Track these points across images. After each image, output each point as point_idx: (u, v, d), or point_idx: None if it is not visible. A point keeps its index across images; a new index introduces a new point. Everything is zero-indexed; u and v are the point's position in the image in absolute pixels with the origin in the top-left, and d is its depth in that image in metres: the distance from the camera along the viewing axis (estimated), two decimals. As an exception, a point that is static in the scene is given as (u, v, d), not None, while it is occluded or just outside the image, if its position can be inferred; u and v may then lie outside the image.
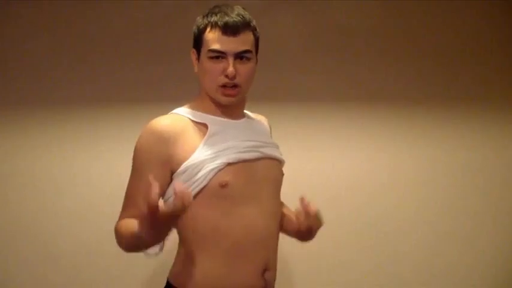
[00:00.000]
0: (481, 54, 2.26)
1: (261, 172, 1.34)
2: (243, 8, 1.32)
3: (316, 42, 2.21)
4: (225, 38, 1.27)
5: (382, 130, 2.22)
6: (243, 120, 1.41)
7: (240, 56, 1.28)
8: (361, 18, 2.22)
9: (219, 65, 1.28)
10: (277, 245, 1.39)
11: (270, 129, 1.55)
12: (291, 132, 2.14)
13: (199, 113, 1.35)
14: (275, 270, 1.38)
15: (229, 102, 1.33)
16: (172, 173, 1.29)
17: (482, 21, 2.26)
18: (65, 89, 2.10)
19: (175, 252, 1.36)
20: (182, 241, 1.33)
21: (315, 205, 1.34)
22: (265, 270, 1.31)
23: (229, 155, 1.28)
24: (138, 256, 1.31)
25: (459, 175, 2.24)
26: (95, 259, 2.06)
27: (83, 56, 2.11)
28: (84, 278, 2.07)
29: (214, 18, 1.28)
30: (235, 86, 1.30)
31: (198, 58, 1.33)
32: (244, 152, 1.31)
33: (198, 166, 1.26)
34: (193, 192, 1.26)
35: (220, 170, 1.26)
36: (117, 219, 1.31)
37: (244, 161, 1.31)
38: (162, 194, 1.32)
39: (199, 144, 1.29)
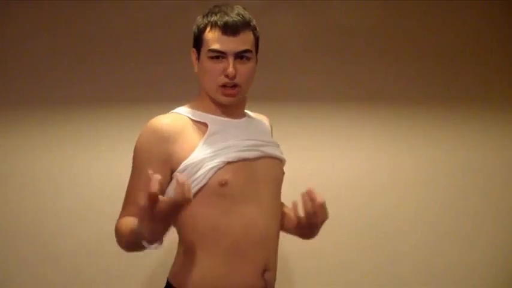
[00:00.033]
0: (481, 54, 2.26)
1: (261, 171, 1.34)
2: (243, 8, 1.32)
3: (316, 42, 2.21)
4: (224, 37, 1.27)
5: (382, 130, 2.22)
6: (243, 119, 1.41)
7: (240, 56, 1.28)
8: (361, 18, 2.22)
9: (219, 65, 1.28)
10: (277, 245, 1.39)
11: (271, 129, 1.55)
12: (291, 132, 2.14)
13: (199, 112, 1.35)
14: (275, 270, 1.37)
15: (229, 102, 1.33)
16: (172, 171, 1.28)
17: (482, 21, 2.26)
18: (65, 89, 2.10)
19: (175, 252, 1.36)
20: (182, 240, 1.33)
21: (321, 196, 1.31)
22: (265, 270, 1.31)
23: (228, 154, 1.28)
24: (138, 256, 1.31)
25: (459, 175, 2.24)
26: (95, 259, 2.06)
27: (83, 56, 2.11)
28: (84, 278, 2.07)
29: (214, 18, 1.28)
30: (235, 85, 1.30)
31: (198, 58, 1.33)
32: (244, 150, 1.31)
33: (198, 165, 1.26)
34: (193, 191, 1.26)
35: (219, 169, 1.26)
36: (117, 219, 1.31)
37: (244, 159, 1.31)
38: (162, 192, 1.32)
39: (199, 143, 1.29)
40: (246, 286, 1.29)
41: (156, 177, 1.01)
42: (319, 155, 2.19)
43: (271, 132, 1.54)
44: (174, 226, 1.34)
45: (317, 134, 2.20)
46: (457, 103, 2.25)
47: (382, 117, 2.22)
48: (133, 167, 1.32)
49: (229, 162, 1.28)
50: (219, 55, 1.28)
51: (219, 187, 1.26)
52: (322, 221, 1.35)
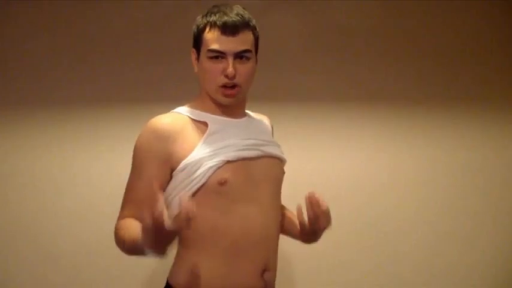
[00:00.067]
0: (481, 54, 2.26)
1: (261, 170, 1.34)
2: (243, 8, 1.32)
3: (316, 42, 2.21)
4: (224, 37, 1.26)
5: (382, 130, 2.22)
6: (243, 119, 1.41)
7: (239, 56, 1.28)
8: (361, 18, 2.22)
9: (218, 65, 1.28)
10: (277, 245, 1.39)
11: (272, 129, 1.54)
12: (291, 132, 2.14)
13: (199, 112, 1.35)
14: (275, 270, 1.37)
15: (228, 103, 1.33)
16: (172, 171, 1.28)
17: (482, 21, 2.26)
18: (65, 89, 2.10)
19: (174, 252, 1.36)
20: (181, 241, 1.33)
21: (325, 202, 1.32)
22: (264, 270, 1.31)
23: (228, 153, 1.28)
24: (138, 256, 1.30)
25: (459, 175, 2.24)
26: (95, 259, 2.06)
27: (83, 56, 2.11)
28: (84, 278, 2.07)
29: (213, 18, 1.28)
30: (234, 85, 1.29)
31: (198, 58, 1.33)
32: (243, 150, 1.31)
33: (197, 164, 1.26)
34: (192, 190, 1.26)
35: (219, 168, 1.26)
36: (116, 219, 1.31)
37: (244, 159, 1.30)
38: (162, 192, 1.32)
39: (198, 142, 1.29)
40: (246, 286, 1.29)
41: (161, 199, 1.01)
42: (319, 155, 2.19)
43: (272, 132, 1.54)
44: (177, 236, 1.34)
45: (317, 134, 2.20)
46: (457, 103, 2.25)
47: (382, 117, 2.22)
48: (133, 166, 1.32)
49: (228, 161, 1.27)
50: (218, 55, 1.27)
51: (219, 186, 1.26)
52: (325, 227, 1.36)
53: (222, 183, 1.26)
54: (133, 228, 1.19)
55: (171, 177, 1.30)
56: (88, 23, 2.12)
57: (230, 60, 1.27)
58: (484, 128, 2.25)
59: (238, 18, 1.27)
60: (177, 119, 1.32)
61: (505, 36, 2.27)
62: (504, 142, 2.26)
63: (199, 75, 1.34)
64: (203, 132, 1.31)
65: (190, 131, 1.30)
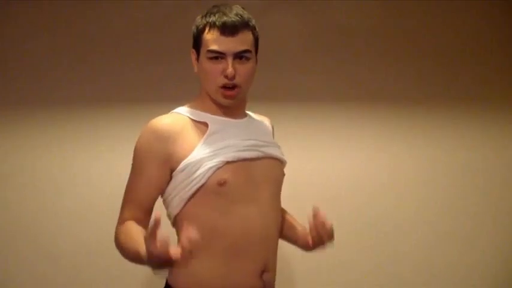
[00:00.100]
0: (481, 54, 2.26)
1: (261, 171, 1.34)
2: (242, 8, 1.32)
3: (316, 42, 2.21)
4: (223, 38, 1.26)
5: (382, 130, 2.22)
6: (244, 119, 1.41)
7: (239, 56, 1.28)
8: (361, 18, 2.22)
9: (218, 66, 1.27)
10: (276, 245, 1.39)
11: (273, 130, 1.54)
12: (291, 132, 2.14)
13: (199, 112, 1.35)
14: (274, 271, 1.37)
15: (228, 104, 1.33)
16: (172, 171, 1.28)
17: (482, 21, 2.26)
18: (65, 89, 2.10)
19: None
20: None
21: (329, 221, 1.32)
22: (263, 271, 1.31)
23: (228, 154, 1.28)
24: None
25: (459, 175, 2.24)
26: (95, 259, 2.06)
27: (83, 56, 2.11)
28: (84, 278, 2.07)
29: (212, 19, 1.27)
30: (234, 86, 1.29)
31: (198, 58, 1.33)
32: (243, 150, 1.31)
33: (197, 164, 1.26)
34: (192, 191, 1.26)
35: (218, 168, 1.26)
36: (116, 219, 1.31)
37: (244, 159, 1.30)
38: (162, 193, 1.32)
39: (198, 143, 1.29)
40: (245, 287, 1.29)
41: (165, 239, 1.01)
42: (319, 155, 2.19)
43: (273, 133, 1.53)
44: (173, 227, 1.34)
45: (317, 134, 2.20)
46: (457, 103, 2.25)
47: (382, 117, 2.22)
48: (133, 166, 1.32)
49: (228, 162, 1.27)
50: (218, 56, 1.27)
51: (218, 187, 1.26)
52: (327, 244, 1.36)
53: (222, 183, 1.26)
54: (135, 236, 1.19)
55: (171, 178, 1.29)
56: (88, 23, 2.12)
57: (230, 60, 1.27)
58: (484, 128, 2.25)
59: (238, 18, 1.27)
60: (177, 119, 1.32)
61: (505, 36, 2.27)
62: (504, 142, 2.25)
63: (200, 76, 1.34)
64: (203, 132, 1.31)
65: (190, 132, 1.30)
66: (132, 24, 2.13)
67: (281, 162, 1.43)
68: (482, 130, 2.25)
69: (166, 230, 1.03)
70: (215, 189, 1.26)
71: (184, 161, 1.26)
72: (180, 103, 1.40)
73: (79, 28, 2.11)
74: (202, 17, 1.31)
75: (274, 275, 1.37)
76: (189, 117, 1.33)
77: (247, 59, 1.30)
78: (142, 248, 1.07)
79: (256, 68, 1.35)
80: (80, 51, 2.11)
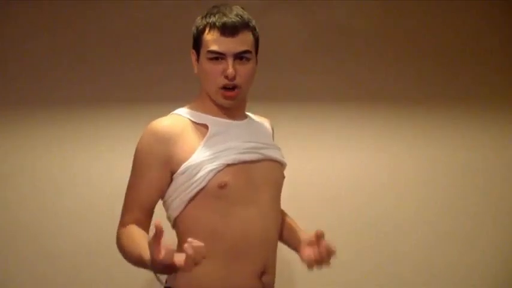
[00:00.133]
0: (481, 54, 2.26)
1: (261, 174, 1.34)
2: (242, 8, 1.32)
3: (316, 42, 2.21)
4: (223, 38, 1.26)
5: (382, 130, 2.22)
6: (244, 121, 1.40)
7: (239, 57, 1.27)
8: (361, 18, 2.22)
9: (218, 66, 1.27)
10: (276, 247, 1.39)
11: (273, 131, 1.54)
12: (291, 132, 2.14)
13: (199, 114, 1.34)
14: (274, 273, 1.37)
15: (228, 105, 1.32)
16: (172, 173, 1.28)
17: (482, 21, 2.26)
18: (65, 89, 2.10)
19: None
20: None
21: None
22: (263, 273, 1.31)
23: (228, 156, 1.28)
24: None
25: (459, 175, 2.24)
26: (95, 259, 2.06)
27: (83, 56, 2.11)
28: (84, 278, 2.06)
29: (212, 19, 1.27)
30: (235, 87, 1.29)
31: (198, 59, 1.33)
32: (244, 153, 1.31)
33: (197, 167, 1.25)
34: (193, 193, 1.26)
35: (219, 171, 1.26)
36: (117, 219, 1.31)
37: (244, 162, 1.30)
38: (162, 195, 1.32)
39: (199, 145, 1.28)
40: None
41: (170, 247, 1.00)
42: (319, 155, 2.19)
43: (273, 135, 1.53)
44: (173, 229, 1.34)
45: (317, 134, 2.20)
46: (457, 103, 2.25)
47: (382, 117, 2.22)
48: (133, 168, 1.32)
49: (228, 165, 1.27)
50: (218, 56, 1.27)
51: (219, 189, 1.26)
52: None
53: (222, 186, 1.26)
54: (138, 239, 1.19)
55: (171, 180, 1.29)
56: (88, 23, 2.11)
57: (230, 61, 1.26)
58: (484, 128, 2.25)
59: (238, 19, 1.26)
60: (177, 121, 1.32)
61: (505, 36, 2.27)
62: (504, 142, 2.25)
63: (200, 77, 1.34)
64: (203, 134, 1.31)
65: (191, 134, 1.30)
66: (132, 24, 2.13)
67: (281, 165, 1.43)
68: (482, 130, 2.25)
69: (166, 232, 1.02)
70: (215, 191, 1.26)
71: (185, 163, 1.26)
72: (180, 103, 1.40)
73: (79, 28, 2.11)
74: (202, 18, 1.31)
75: (274, 276, 1.37)
76: (189, 119, 1.33)
77: (248, 59, 1.29)
78: (145, 253, 1.06)
79: (256, 69, 1.34)
80: (80, 51, 2.11)
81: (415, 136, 2.23)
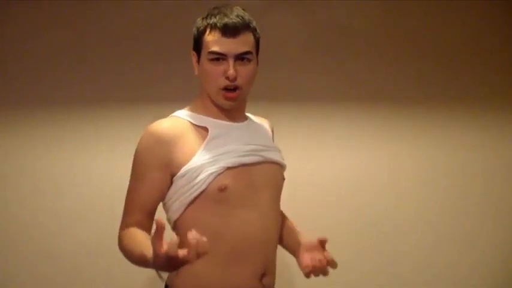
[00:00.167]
0: (481, 54, 2.26)
1: (262, 176, 1.33)
2: (243, 9, 1.31)
3: (316, 42, 2.21)
4: (224, 39, 1.25)
5: (382, 130, 2.22)
6: (244, 123, 1.40)
7: (240, 58, 1.27)
8: (361, 18, 2.22)
9: (219, 67, 1.27)
10: (276, 248, 1.39)
11: (273, 133, 1.54)
12: (291, 132, 2.14)
13: (199, 116, 1.34)
14: (274, 275, 1.37)
15: (229, 106, 1.32)
16: (172, 176, 1.28)
17: (482, 21, 2.26)
18: (65, 89, 2.10)
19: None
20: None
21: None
22: (263, 274, 1.31)
23: (228, 159, 1.28)
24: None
25: (459, 175, 2.24)
26: (95, 259, 2.06)
27: (83, 56, 2.11)
28: (84, 278, 2.06)
29: (213, 20, 1.27)
30: (236, 88, 1.28)
31: (199, 61, 1.32)
32: (244, 155, 1.31)
33: (198, 170, 1.25)
34: (193, 196, 1.26)
35: (219, 174, 1.26)
36: (116, 219, 1.31)
37: (244, 165, 1.30)
38: (163, 197, 1.31)
39: (199, 148, 1.28)
40: None
41: (176, 241, 0.99)
42: (319, 155, 2.19)
43: (273, 136, 1.53)
44: (173, 231, 1.34)
45: (317, 134, 2.20)
46: (457, 103, 2.25)
47: (382, 117, 2.22)
48: (133, 171, 1.31)
49: (229, 168, 1.27)
50: (219, 57, 1.26)
51: (219, 192, 1.26)
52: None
53: (222, 189, 1.26)
54: (140, 238, 1.19)
55: (171, 182, 1.29)
56: (88, 23, 2.11)
57: (231, 62, 1.26)
58: (484, 128, 2.25)
59: (239, 19, 1.26)
60: (177, 123, 1.32)
61: (505, 36, 2.27)
62: (504, 142, 2.25)
63: (200, 78, 1.33)
64: (203, 137, 1.30)
65: (191, 136, 1.30)
66: (132, 24, 2.13)
67: (281, 167, 1.42)
68: (482, 130, 2.25)
69: (166, 234, 1.02)
70: (216, 194, 1.26)
71: (185, 166, 1.26)
72: (180, 103, 1.40)
73: (79, 28, 2.11)
74: (202, 19, 1.31)
75: (274, 278, 1.37)
76: (189, 121, 1.33)
77: (249, 60, 1.29)
78: (148, 251, 1.06)
79: (257, 70, 1.34)
80: (80, 51, 2.11)
81: (415, 136, 2.23)
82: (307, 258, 1.32)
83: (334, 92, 2.21)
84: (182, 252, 0.98)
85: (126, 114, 2.10)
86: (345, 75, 2.21)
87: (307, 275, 1.33)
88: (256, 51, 1.34)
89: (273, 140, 1.52)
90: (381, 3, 2.22)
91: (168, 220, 1.34)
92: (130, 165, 1.32)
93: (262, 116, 1.54)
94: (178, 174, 1.26)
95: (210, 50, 1.27)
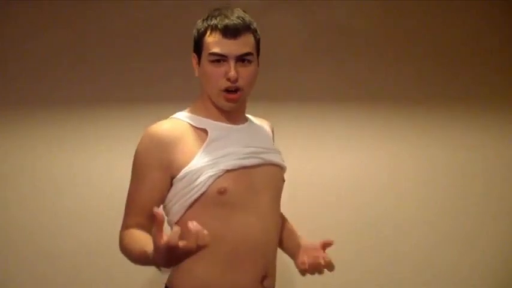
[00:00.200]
0: (481, 54, 2.26)
1: (261, 179, 1.33)
2: (243, 11, 1.31)
3: (316, 42, 2.21)
4: (225, 40, 1.25)
5: (382, 130, 2.22)
6: (244, 125, 1.40)
7: (241, 59, 1.27)
8: (361, 18, 2.22)
9: (220, 69, 1.26)
10: (276, 250, 1.39)
11: (273, 133, 1.53)
12: (291, 132, 2.14)
13: (199, 118, 1.34)
14: (274, 277, 1.37)
15: (230, 108, 1.32)
16: (172, 178, 1.28)
17: (482, 21, 2.26)
18: (65, 89, 2.10)
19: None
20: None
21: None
22: (264, 277, 1.31)
23: (228, 162, 1.27)
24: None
25: (459, 175, 2.24)
26: (95, 259, 2.06)
27: (83, 56, 2.11)
28: (84, 278, 2.07)
29: (214, 22, 1.26)
30: (237, 89, 1.28)
31: (199, 62, 1.32)
32: (244, 158, 1.30)
33: (197, 172, 1.25)
34: (192, 199, 1.26)
35: (219, 177, 1.25)
36: (116, 219, 1.31)
37: (244, 167, 1.30)
38: (163, 198, 1.31)
39: (199, 150, 1.28)
40: None
41: (177, 231, 0.98)
42: (319, 155, 2.19)
43: (273, 137, 1.53)
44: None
45: (317, 134, 2.20)
46: (457, 103, 2.25)
47: (382, 117, 2.22)
48: (133, 173, 1.31)
49: (228, 170, 1.27)
50: (220, 58, 1.26)
51: (218, 195, 1.25)
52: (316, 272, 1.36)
53: (222, 192, 1.25)
54: (141, 236, 1.19)
55: (171, 184, 1.29)
56: (88, 23, 2.11)
57: (232, 63, 1.26)
58: (484, 128, 2.25)
59: (239, 21, 1.26)
60: (177, 125, 1.31)
61: (505, 36, 2.27)
62: (504, 142, 2.25)
63: (201, 80, 1.33)
64: (203, 139, 1.30)
65: (191, 139, 1.29)
66: (132, 24, 2.13)
67: (281, 169, 1.42)
68: (482, 130, 2.25)
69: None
70: (215, 197, 1.25)
71: (185, 169, 1.26)
72: (180, 103, 1.40)
73: (79, 28, 2.11)
74: (203, 21, 1.30)
75: (274, 280, 1.37)
76: (188, 123, 1.32)
77: (250, 61, 1.29)
78: (148, 247, 1.06)
79: (258, 71, 1.34)
80: (80, 51, 2.11)
81: (415, 136, 2.23)
82: (304, 256, 1.33)
83: (334, 92, 2.21)
84: (182, 242, 0.97)
85: (126, 114, 2.10)
86: (345, 75, 2.21)
87: (303, 272, 1.34)
88: (257, 52, 1.33)
89: (273, 141, 1.52)
90: (381, 3, 2.22)
91: (168, 223, 1.33)
92: (130, 165, 1.32)
93: (262, 116, 1.54)
94: (178, 176, 1.26)
95: (211, 51, 1.26)
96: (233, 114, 1.35)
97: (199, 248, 0.99)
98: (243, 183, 1.29)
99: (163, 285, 1.36)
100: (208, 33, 1.28)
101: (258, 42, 1.33)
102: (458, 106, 2.25)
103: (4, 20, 2.08)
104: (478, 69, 2.25)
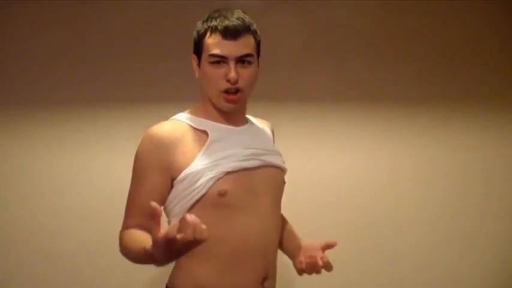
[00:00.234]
0: (481, 54, 2.26)
1: (262, 180, 1.33)
2: (243, 12, 1.31)
3: (316, 42, 2.21)
4: (225, 42, 1.25)
5: (382, 130, 2.22)
6: (245, 126, 1.40)
7: (241, 60, 1.27)
8: (361, 18, 2.22)
9: (220, 70, 1.26)
10: (277, 251, 1.39)
11: (273, 134, 1.53)
12: (291, 132, 2.14)
13: (199, 119, 1.34)
14: (275, 278, 1.37)
15: (229, 109, 1.32)
16: (173, 179, 1.28)
17: (482, 21, 2.26)
18: (65, 89, 2.10)
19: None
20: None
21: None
22: (264, 278, 1.31)
23: (228, 164, 1.27)
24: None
25: (459, 175, 2.24)
26: (95, 259, 2.06)
27: (83, 56, 2.11)
28: (84, 278, 2.07)
29: (214, 23, 1.26)
30: (237, 90, 1.28)
31: (199, 64, 1.32)
32: (244, 160, 1.30)
33: (198, 174, 1.25)
34: (193, 200, 1.26)
35: (219, 179, 1.25)
36: (116, 219, 1.31)
37: (244, 169, 1.30)
38: (164, 200, 1.31)
39: (199, 152, 1.28)
40: None
41: (175, 224, 0.97)
42: (319, 155, 2.19)
43: (273, 138, 1.53)
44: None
45: (317, 134, 2.20)
46: (457, 103, 2.25)
47: (382, 117, 2.22)
48: (134, 174, 1.31)
49: (228, 172, 1.27)
50: (220, 60, 1.26)
51: (218, 197, 1.25)
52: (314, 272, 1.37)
53: (222, 194, 1.25)
54: (140, 235, 1.19)
55: (172, 186, 1.29)
56: (88, 23, 2.11)
57: (232, 64, 1.26)
58: (484, 128, 2.25)
59: (239, 22, 1.26)
60: (177, 126, 1.31)
61: (505, 36, 2.27)
62: (504, 142, 2.26)
63: (201, 81, 1.33)
64: (203, 141, 1.30)
65: (191, 140, 1.29)
66: (132, 24, 2.13)
67: (282, 170, 1.42)
68: (482, 130, 2.25)
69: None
70: (215, 199, 1.25)
71: (185, 170, 1.26)
72: (180, 103, 1.40)
73: (79, 28, 2.11)
74: (203, 22, 1.30)
75: (275, 281, 1.38)
76: (189, 124, 1.32)
77: (250, 63, 1.28)
78: (147, 243, 1.06)
79: (258, 72, 1.34)
80: (80, 51, 2.11)
81: (415, 136, 2.23)
82: (302, 256, 1.34)
83: (334, 92, 2.21)
84: (180, 235, 0.97)
85: (126, 114, 2.10)
86: (345, 75, 2.21)
87: (300, 272, 1.34)
88: (257, 53, 1.33)
89: (274, 142, 1.52)
90: (381, 3, 2.22)
91: (169, 224, 1.33)
92: (130, 165, 1.32)
93: (262, 116, 1.54)
94: (178, 178, 1.26)
95: (211, 52, 1.26)
96: (233, 116, 1.35)
97: (197, 242, 0.99)
98: (243, 185, 1.29)
99: (164, 286, 1.36)
100: (208, 34, 1.27)
101: (258, 44, 1.33)
102: (458, 106, 2.25)
103: (4, 20, 2.08)
104: (478, 69, 2.25)
